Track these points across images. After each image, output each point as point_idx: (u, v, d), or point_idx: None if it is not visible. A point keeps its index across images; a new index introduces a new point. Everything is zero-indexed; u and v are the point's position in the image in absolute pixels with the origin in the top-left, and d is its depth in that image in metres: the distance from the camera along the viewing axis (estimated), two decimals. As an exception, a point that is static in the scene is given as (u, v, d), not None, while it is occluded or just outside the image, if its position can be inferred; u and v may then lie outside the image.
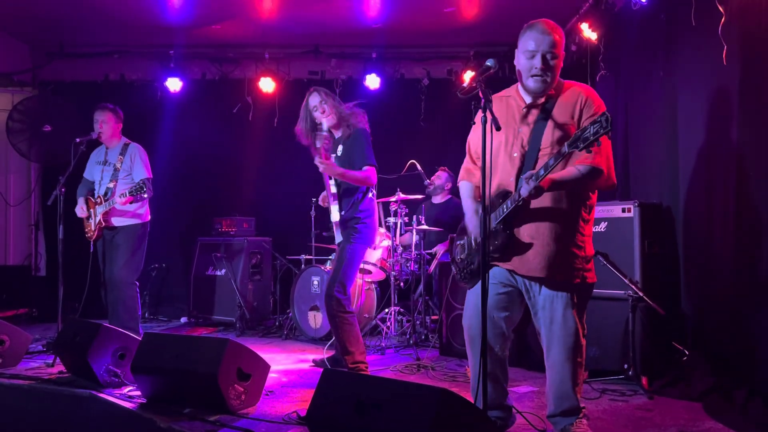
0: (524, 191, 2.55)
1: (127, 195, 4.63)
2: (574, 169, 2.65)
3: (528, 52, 2.72)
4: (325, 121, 4.18)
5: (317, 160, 3.96)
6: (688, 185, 4.16)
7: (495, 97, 2.84)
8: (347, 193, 4.15)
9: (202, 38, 7.02)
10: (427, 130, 7.27)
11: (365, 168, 4.04)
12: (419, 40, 7.05)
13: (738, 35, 3.60)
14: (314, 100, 4.19)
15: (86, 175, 5.23)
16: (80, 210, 5.05)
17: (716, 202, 3.84)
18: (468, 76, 6.91)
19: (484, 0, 5.99)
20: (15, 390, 2.78)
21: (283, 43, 7.16)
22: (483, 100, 2.48)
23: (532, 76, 2.72)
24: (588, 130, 2.37)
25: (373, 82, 7.03)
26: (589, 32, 5.61)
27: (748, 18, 3.52)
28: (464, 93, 2.69)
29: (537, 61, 2.69)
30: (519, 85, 2.85)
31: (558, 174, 2.61)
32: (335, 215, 4.17)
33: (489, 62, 2.68)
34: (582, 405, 2.84)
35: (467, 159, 3.10)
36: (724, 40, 3.65)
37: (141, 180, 4.72)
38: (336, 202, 4.18)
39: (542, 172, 2.52)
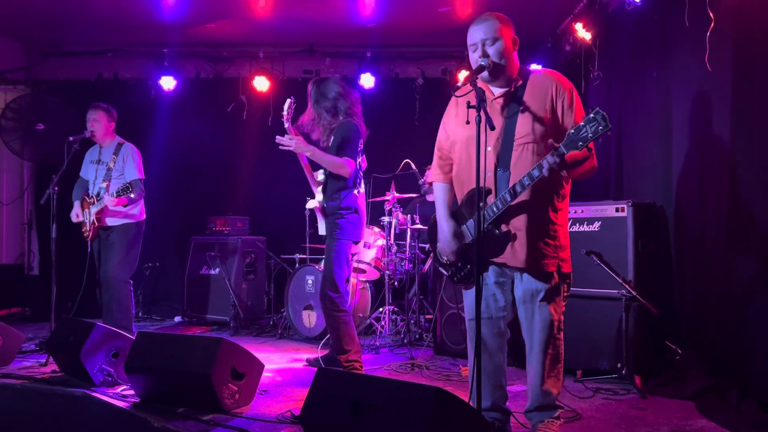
0: (546, 170, 2.51)
1: (115, 195, 4.63)
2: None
3: (471, 47, 2.76)
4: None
5: (286, 138, 3.93)
6: (682, 185, 4.18)
7: (464, 97, 2.63)
8: (332, 184, 4.11)
9: (197, 37, 7.00)
10: (421, 129, 7.25)
11: (343, 157, 3.99)
12: (414, 39, 7.05)
13: (731, 37, 3.61)
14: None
15: (82, 173, 5.22)
16: (74, 216, 5.03)
17: (709, 201, 3.86)
18: (463, 75, 6.92)
19: (478, 0, 5.99)
20: (8, 389, 2.77)
21: (277, 42, 7.15)
22: (477, 100, 2.47)
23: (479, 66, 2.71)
24: (584, 130, 2.36)
25: (367, 81, 7.02)
26: (583, 32, 5.62)
27: (740, 20, 3.53)
28: (458, 92, 2.69)
29: (479, 52, 2.72)
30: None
31: (573, 152, 2.50)
32: (313, 203, 4.17)
33: (483, 62, 2.69)
34: (559, 404, 2.85)
35: (435, 156, 3.08)
36: (712, 43, 3.67)
37: (128, 181, 4.73)
38: (320, 190, 4.19)
39: (562, 150, 2.45)
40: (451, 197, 3.01)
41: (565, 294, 2.84)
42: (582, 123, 2.38)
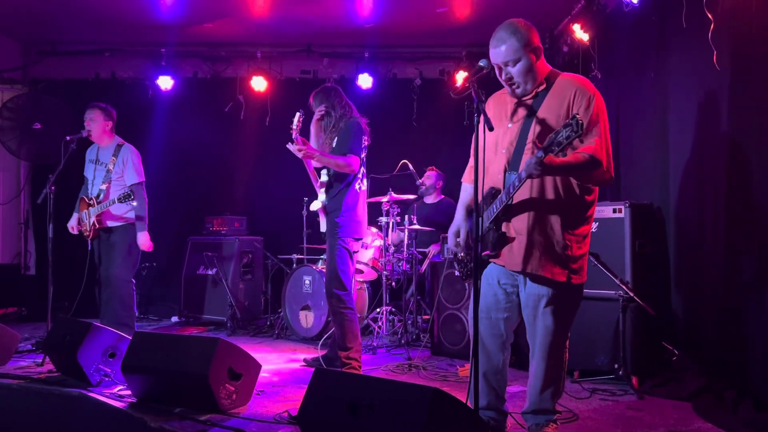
0: (524, 172, 2.50)
1: (116, 202, 4.64)
2: (578, 154, 2.56)
3: (494, 66, 2.73)
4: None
5: (294, 147, 4.04)
6: (679, 186, 4.19)
7: (493, 96, 2.91)
8: (333, 183, 4.19)
9: (194, 36, 7.00)
10: (419, 130, 7.28)
11: (348, 155, 4.08)
12: (412, 40, 7.05)
13: (728, 38, 3.62)
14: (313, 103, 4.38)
15: (85, 172, 5.20)
16: (71, 228, 5.05)
17: (707, 202, 3.87)
18: (461, 76, 6.93)
19: (476, 0, 6.00)
20: (4, 389, 2.76)
21: (275, 42, 7.15)
22: (476, 101, 2.47)
23: (505, 86, 2.77)
24: (561, 134, 2.34)
25: (365, 81, 7.02)
26: (581, 33, 5.63)
27: (738, 21, 3.54)
28: (457, 93, 2.69)
29: (500, 75, 2.73)
30: None
31: (560, 158, 2.49)
32: (316, 204, 4.25)
33: (482, 62, 2.69)
34: (557, 409, 2.85)
35: (471, 159, 3.10)
36: (714, 44, 3.67)
37: (130, 186, 4.73)
38: (323, 190, 4.24)
39: (540, 153, 2.42)
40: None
41: (575, 306, 2.80)
42: (561, 127, 2.35)
